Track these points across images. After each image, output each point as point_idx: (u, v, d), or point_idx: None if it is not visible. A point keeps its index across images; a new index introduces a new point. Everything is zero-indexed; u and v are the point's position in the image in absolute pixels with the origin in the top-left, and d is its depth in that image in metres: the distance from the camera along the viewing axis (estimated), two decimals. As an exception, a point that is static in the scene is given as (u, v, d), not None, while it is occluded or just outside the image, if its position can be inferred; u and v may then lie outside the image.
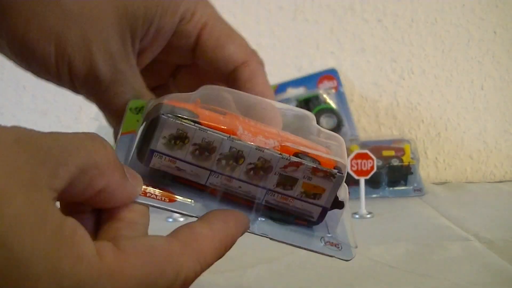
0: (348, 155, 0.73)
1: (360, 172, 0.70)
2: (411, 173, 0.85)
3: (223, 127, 0.24)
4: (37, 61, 0.30)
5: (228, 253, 0.24)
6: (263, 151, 0.24)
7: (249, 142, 0.24)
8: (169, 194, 0.25)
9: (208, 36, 0.32)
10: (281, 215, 0.27)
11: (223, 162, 0.24)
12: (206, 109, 0.24)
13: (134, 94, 0.30)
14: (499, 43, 1.01)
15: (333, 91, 0.94)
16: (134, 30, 0.30)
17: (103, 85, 0.30)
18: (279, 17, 1.00)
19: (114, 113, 0.31)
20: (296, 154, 0.24)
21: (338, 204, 0.26)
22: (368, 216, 0.69)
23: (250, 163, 0.24)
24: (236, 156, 0.24)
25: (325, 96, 0.90)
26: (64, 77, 0.31)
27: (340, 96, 0.95)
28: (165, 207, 0.24)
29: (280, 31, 1.00)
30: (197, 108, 0.24)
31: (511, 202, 0.80)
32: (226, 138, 0.23)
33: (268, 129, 0.25)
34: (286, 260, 0.50)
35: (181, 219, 0.66)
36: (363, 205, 0.70)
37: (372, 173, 0.71)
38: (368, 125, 1.01)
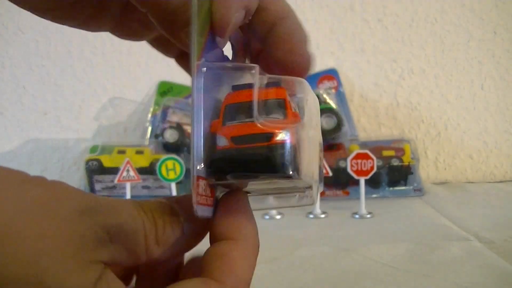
0: (348, 155, 0.74)
1: (360, 172, 0.70)
2: (411, 173, 0.85)
3: None
4: None
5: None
6: None
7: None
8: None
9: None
10: None
11: None
12: None
13: None
14: (499, 43, 1.01)
15: (333, 91, 0.94)
16: None
17: None
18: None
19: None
20: None
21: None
22: (368, 216, 0.69)
23: None
24: None
25: (325, 96, 0.90)
26: None
27: (340, 96, 0.95)
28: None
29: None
30: None
31: (511, 202, 0.80)
32: None
33: None
34: (286, 260, 0.50)
35: (278, 217, 0.72)
36: (363, 205, 0.70)
37: (372, 173, 0.71)
38: (368, 125, 1.01)
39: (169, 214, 0.21)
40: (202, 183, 0.22)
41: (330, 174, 0.73)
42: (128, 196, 0.75)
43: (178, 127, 0.93)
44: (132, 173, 0.75)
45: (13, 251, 0.17)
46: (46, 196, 0.18)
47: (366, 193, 0.72)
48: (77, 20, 0.28)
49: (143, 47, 0.48)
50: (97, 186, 0.88)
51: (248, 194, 0.24)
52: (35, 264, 0.17)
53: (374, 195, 0.83)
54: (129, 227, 0.20)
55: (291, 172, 0.21)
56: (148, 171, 0.86)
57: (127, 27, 0.29)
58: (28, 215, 0.17)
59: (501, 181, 0.98)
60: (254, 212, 0.24)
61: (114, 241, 0.19)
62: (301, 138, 0.22)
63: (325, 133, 0.87)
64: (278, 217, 0.71)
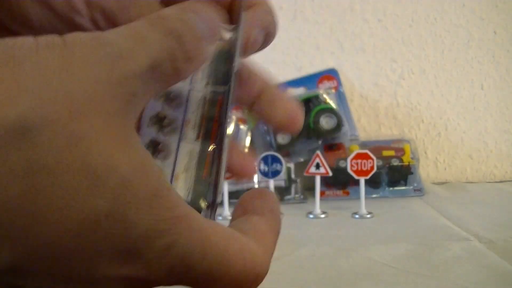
0: (348, 155, 0.74)
1: (360, 172, 0.70)
2: (411, 173, 0.85)
3: None
4: None
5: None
6: None
7: None
8: None
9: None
10: None
11: None
12: None
13: None
14: (499, 43, 1.01)
15: (333, 91, 0.93)
16: None
17: None
18: (279, 17, 0.99)
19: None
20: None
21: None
22: (368, 216, 0.69)
23: None
24: None
25: (325, 96, 0.90)
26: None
27: (340, 96, 0.95)
28: None
29: (280, 31, 0.99)
30: None
31: (511, 202, 0.80)
32: None
33: None
34: (286, 260, 0.50)
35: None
36: (363, 205, 0.70)
37: (372, 173, 0.71)
38: (368, 125, 1.01)
39: (194, 27, 0.19)
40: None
41: (330, 174, 0.73)
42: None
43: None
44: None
45: (48, 137, 0.15)
46: (66, 62, 0.15)
47: (366, 193, 0.72)
48: None
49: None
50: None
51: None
52: (75, 147, 0.15)
53: (374, 195, 0.83)
54: (156, 63, 0.17)
55: None
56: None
57: None
58: (51, 92, 0.15)
59: (501, 181, 0.98)
60: None
61: (142, 85, 0.17)
62: None
63: (325, 133, 0.87)
64: (278, 217, 0.71)
